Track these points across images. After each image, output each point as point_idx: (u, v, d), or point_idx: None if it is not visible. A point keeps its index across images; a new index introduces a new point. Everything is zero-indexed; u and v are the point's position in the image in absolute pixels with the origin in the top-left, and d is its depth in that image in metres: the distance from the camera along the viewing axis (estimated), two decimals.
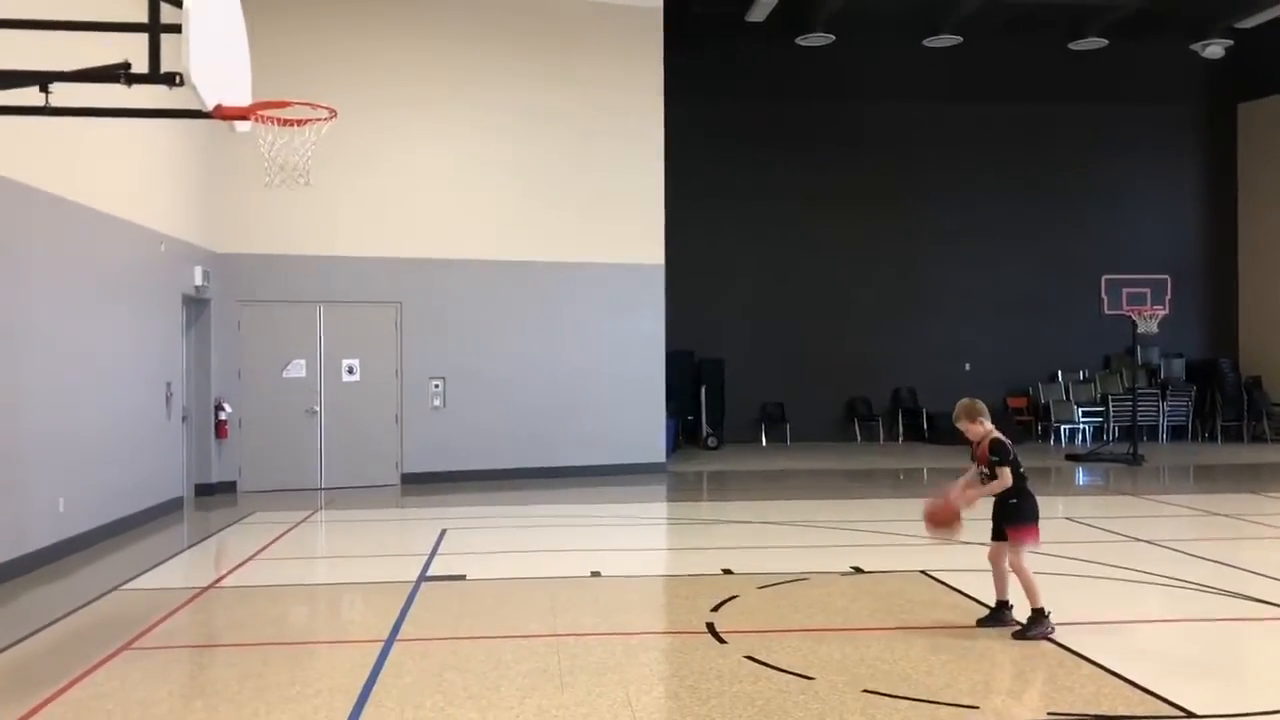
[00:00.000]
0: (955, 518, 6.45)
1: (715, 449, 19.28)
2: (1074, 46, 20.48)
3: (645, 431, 15.97)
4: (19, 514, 8.47)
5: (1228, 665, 6.10)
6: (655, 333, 16.10)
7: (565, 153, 15.50)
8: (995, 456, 6.41)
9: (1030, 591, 6.33)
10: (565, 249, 15.47)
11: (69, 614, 7.21)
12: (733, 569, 8.47)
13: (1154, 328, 17.72)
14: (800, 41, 19.62)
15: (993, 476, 6.43)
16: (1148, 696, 5.18)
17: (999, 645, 6.15)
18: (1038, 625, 6.24)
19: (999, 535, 6.53)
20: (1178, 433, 21.22)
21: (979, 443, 6.51)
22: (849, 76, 20.73)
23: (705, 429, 19.53)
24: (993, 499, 6.54)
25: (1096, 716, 4.90)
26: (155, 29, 6.04)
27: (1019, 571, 6.38)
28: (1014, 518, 6.44)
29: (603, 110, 15.71)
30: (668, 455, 16.63)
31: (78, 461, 9.50)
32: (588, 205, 15.58)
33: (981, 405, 6.60)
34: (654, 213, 16.01)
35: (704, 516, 12.79)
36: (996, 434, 6.51)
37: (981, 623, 6.52)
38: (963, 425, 6.57)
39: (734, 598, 7.37)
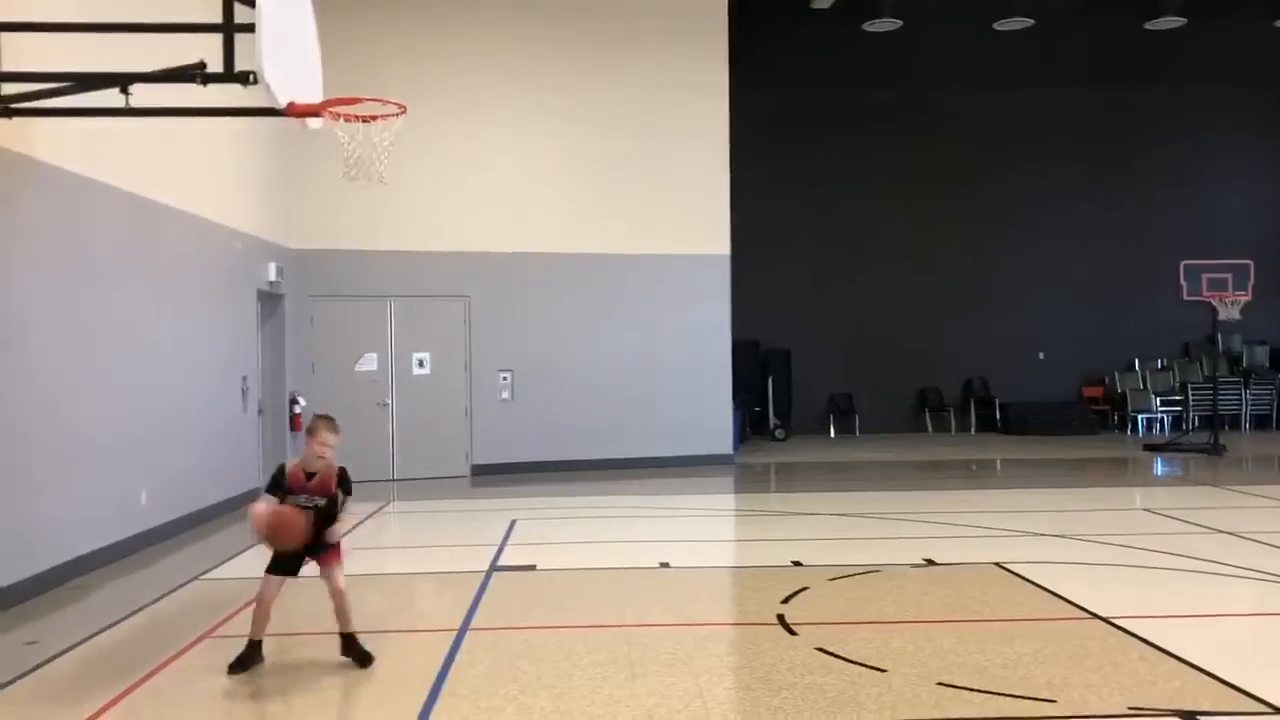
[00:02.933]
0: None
1: (783, 440, 19.18)
2: (1150, 26, 19.92)
3: (712, 423, 15.93)
4: (103, 506, 8.69)
5: None
6: (721, 323, 16.04)
7: (631, 145, 15.49)
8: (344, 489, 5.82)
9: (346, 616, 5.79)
10: (631, 241, 15.47)
11: (152, 603, 7.40)
12: (802, 561, 8.41)
13: (1236, 314, 17.24)
14: (867, 27, 19.37)
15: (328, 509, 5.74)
16: (1234, 692, 5.05)
17: (1076, 639, 6.03)
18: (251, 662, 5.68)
19: (283, 568, 5.77)
20: (1262, 422, 20.63)
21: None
22: (917, 62, 20.43)
23: (772, 420, 19.44)
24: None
25: (1180, 711, 4.79)
26: (229, 29, 6.16)
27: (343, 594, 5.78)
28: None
29: (668, 101, 15.67)
30: (735, 447, 16.58)
31: (159, 454, 9.73)
32: (653, 197, 15.56)
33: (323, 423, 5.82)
34: (719, 203, 15.94)
35: (772, 508, 12.73)
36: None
37: (232, 669, 5.65)
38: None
39: (804, 589, 7.32)
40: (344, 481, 5.89)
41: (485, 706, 5.02)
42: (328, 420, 5.88)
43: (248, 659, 5.70)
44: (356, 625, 5.85)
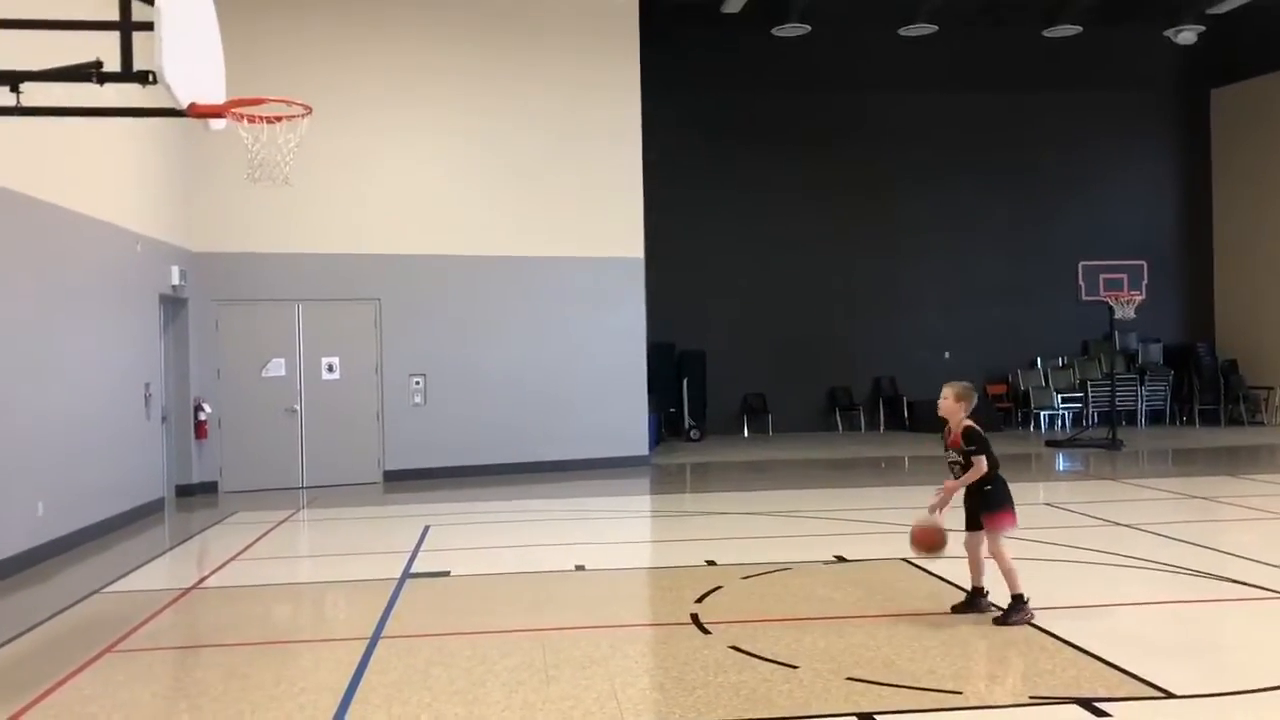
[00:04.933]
0: (943, 541, 6.46)
1: (698, 441, 19.32)
2: (1048, 34, 20.55)
3: (627, 425, 15.98)
4: None
5: (1207, 646, 6.16)
6: (636, 326, 16.10)
7: (543, 147, 15.47)
8: (971, 445, 6.39)
9: (1010, 578, 6.34)
10: (545, 243, 15.44)
11: (50, 618, 7.17)
12: (716, 560, 8.49)
13: (1131, 313, 17.82)
14: (776, 32, 19.62)
15: (966, 465, 6.43)
16: (1128, 678, 5.23)
17: (980, 631, 6.19)
18: (1017, 611, 6.27)
19: (974, 524, 6.53)
20: (1156, 417, 21.40)
21: (954, 430, 6.52)
22: (825, 67, 20.75)
23: (687, 421, 19.57)
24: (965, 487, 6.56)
25: (1078, 699, 4.94)
26: (127, 27, 6.00)
27: (998, 558, 6.39)
28: (989, 504, 6.45)
29: (580, 104, 15.68)
30: (650, 448, 16.65)
31: (56, 464, 9.43)
32: (567, 199, 15.56)
33: (973, 391, 6.59)
34: (633, 206, 16.00)
35: (687, 508, 12.81)
36: (970, 422, 6.49)
37: (956, 609, 6.56)
38: (948, 406, 6.52)
39: (718, 589, 7.39)
40: (970, 438, 6.39)
41: (397, 715, 4.97)
42: (951, 383, 6.61)
43: (969, 604, 6.53)
44: (260, 637, 5.74)
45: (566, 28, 15.70)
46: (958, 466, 6.50)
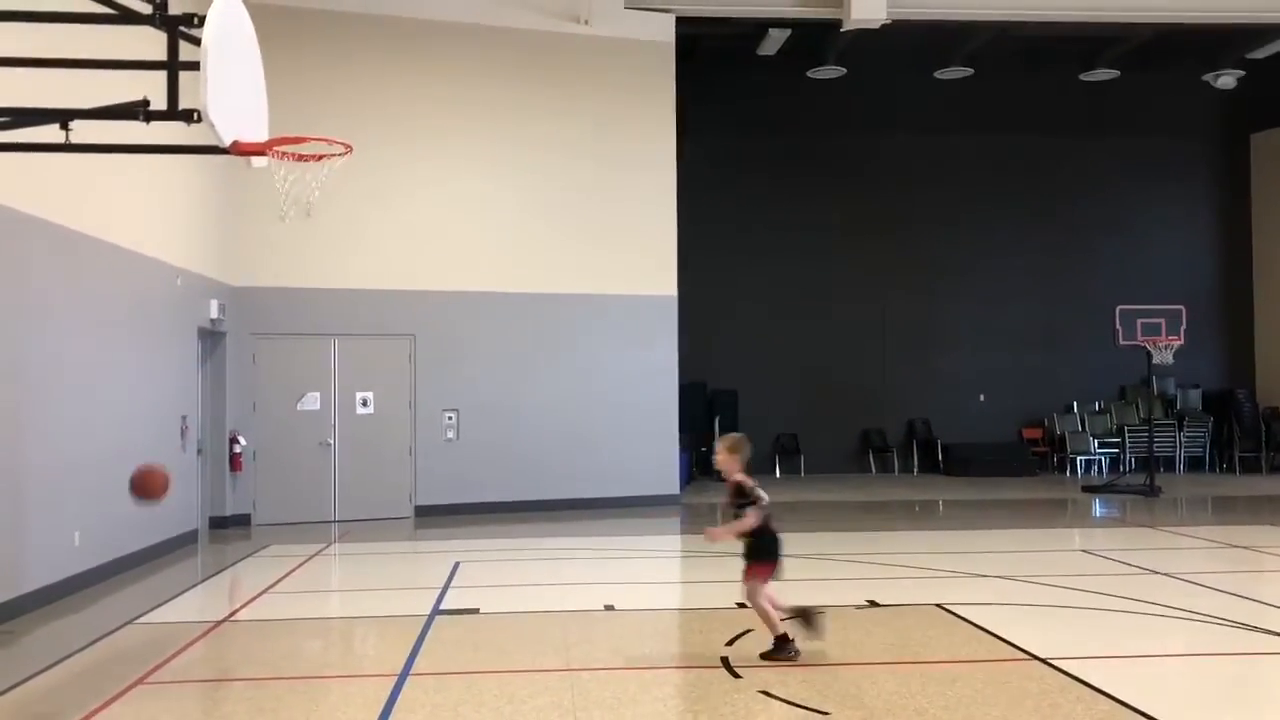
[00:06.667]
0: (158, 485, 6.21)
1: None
2: (1085, 78, 20.54)
3: (659, 463, 15.94)
4: (33, 548, 8.48)
5: (1247, 699, 6.02)
6: (668, 364, 16.10)
7: (578, 185, 15.58)
8: (741, 499, 6.47)
9: (770, 623, 6.44)
10: (579, 281, 15.51)
11: (83, 648, 7.21)
12: (747, 603, 8.39)
13: (1169, 358, 17.61)
14: (811, 74, 19.73)
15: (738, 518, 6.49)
16: None
17: (1015, 680, 6.09)
18: (783, 651, 6.38)
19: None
20: (1195, 464, 21.06)
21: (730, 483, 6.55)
22: (861, 109, 20.82)
23: None
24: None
25: None
26: (174, 67, 6.11)
27: (755, 605, 6.46)
28: (752, 554, 6.52)
29: (616, 143, 15.80)
30: (681, 487, 16.58)
31: (93, 495, 9.52)
32: (601, 237, 15.65)
33: (745, 442, 6.60)
34: (667, 244, 16.06)
35: (717, 549, 12.65)
36: (741, 478, 6.51)
37: (764, 656, 6.51)
38: (721, 459, 6.58)
39: (748, 631, 7.32)
40: (739, 492, 6.50)
41: None
42: (723, 436, 6.68)
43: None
44: (290, 671, 5.73)
45: (604, 66, 15.84)
46: (734, 517, 6.56)
